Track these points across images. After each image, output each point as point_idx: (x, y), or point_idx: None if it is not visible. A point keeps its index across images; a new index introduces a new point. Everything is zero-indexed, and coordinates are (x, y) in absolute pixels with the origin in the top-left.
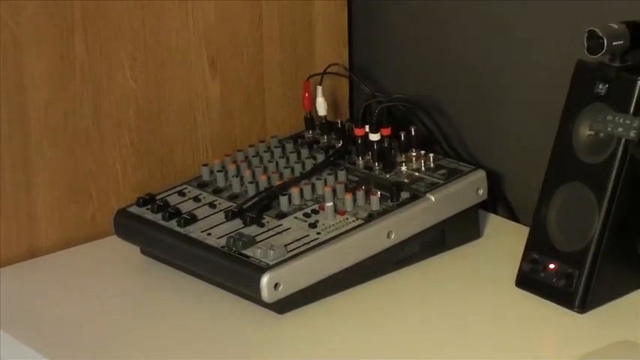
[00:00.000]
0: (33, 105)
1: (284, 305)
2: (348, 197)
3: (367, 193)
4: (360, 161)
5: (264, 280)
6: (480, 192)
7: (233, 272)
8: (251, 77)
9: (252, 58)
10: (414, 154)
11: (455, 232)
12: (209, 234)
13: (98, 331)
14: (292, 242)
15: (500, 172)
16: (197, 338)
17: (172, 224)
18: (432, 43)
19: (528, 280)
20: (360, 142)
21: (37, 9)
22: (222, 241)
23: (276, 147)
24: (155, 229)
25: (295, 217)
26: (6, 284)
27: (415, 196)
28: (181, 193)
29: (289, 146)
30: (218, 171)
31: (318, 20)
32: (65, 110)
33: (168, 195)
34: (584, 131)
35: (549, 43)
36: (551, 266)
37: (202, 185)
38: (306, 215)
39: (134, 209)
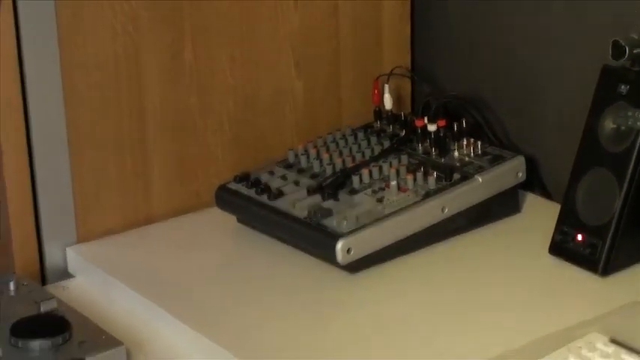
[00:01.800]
0: (149, 100)
1: (355, 266)
2: (409, 177)
3: (425, 174)
4: (420, 147)
5: (339, 245)
6: (520, 175)
7: (313, 239)
8: (329, 76)
9: (330, 60)
10: (464, 142)
11: (498, 207)
12: (293, 206)
13: (202, 284)
14: (362, 214)
15: (536, 158)
16: (282, 293)
17: (263, 198)
18: (480, 47)
19: (559, 248)
20: (419, 131)
21: (152, 18)
22: (305, 213)
23: (349, 135)
24: (249, 202)
25: (365, 194)
26: (127, 245)
27: (465, 177)
28: (271, 172)
29: (360, 134)
30: (301, 154)
31: (386, 29)
32: (176, 104)
33: (260, 174)
34: (609, 125)
35: (582, 48)
36: (579, 237)
37: (288, 166)
38: (374, 192)
39: (232, 185)
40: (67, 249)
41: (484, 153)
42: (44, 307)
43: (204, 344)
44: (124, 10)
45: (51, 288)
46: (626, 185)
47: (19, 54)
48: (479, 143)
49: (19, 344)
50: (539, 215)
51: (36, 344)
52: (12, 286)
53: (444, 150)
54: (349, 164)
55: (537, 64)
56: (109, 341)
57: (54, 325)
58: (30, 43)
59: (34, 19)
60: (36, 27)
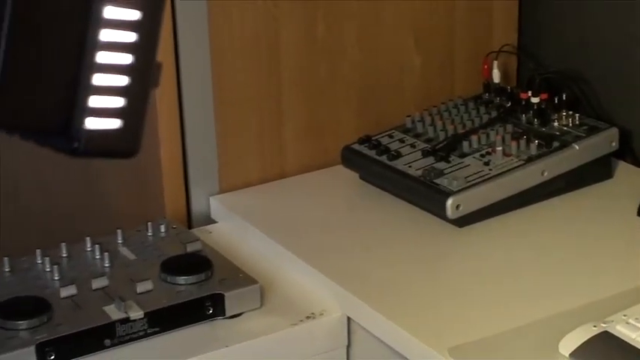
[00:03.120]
0: (286, 68)
1: (462, 221)
2: (513, 144)
3: (527, 142)
4: (523, 118)
5: (449, 202)
6: (613, 144)
7: (426, 195)
8: (444, 52)
9: (445, 37)
10: (563, 113)
11: (592, 173)
12: (410, 166)
13: (327, 231)
14: (470, 175)
15: (629, 129)
16: (397, 241)
17: (383, 158)
18: (580, 25)
19: None
20: (523, 103)
21: None
22: (419, 172)
23: (461, 105)
24: (370, 162)
25: (473, 157)
26: (262, 196)
27: (563, 145)
28: (390, 136)
29: (471, 104)
30: (418, 121)
31: (496, 10)
32: (308, 72)
33: (381, 137)
34: None
35: None
36: None
37: (406, 131)
38: (482, 156)
39: (355, 146)
40: (210, 198)
41: (581, 124)
42: (190, 248)
43: (326, 283)
44: None
45: (196, 231)
46: None
47: (173, 19)
48: (577, 115)
49: (168, 279)
50: (630, 181)
51: (182, 280)
52: (163, 229)
53: (545, 120)
54: (460, 130)
55: (632, 39)
56: (246, 279)
57: (198, 263)
58: (183, 13)
59: None
60: None
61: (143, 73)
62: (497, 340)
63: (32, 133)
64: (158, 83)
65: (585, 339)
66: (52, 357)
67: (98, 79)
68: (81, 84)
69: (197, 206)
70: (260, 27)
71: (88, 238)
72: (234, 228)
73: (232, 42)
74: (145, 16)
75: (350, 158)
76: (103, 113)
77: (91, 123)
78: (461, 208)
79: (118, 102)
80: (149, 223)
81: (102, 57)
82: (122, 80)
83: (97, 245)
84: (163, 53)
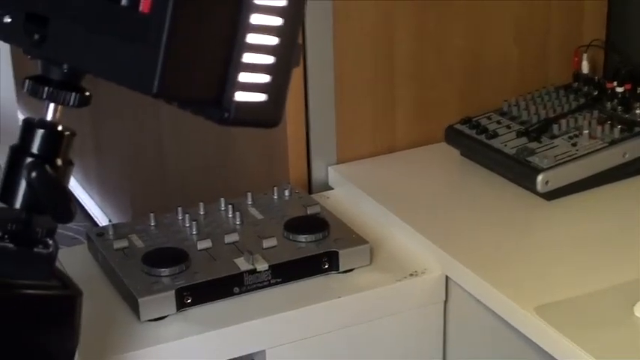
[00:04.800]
0: (398, 52)
1: (551, 195)
2: (599, 128)
3: (611, 126)
4: (608, 105)
5: (539, 178)
6: None
7: (519, 171)
8: (539, 45)
9: (541, 33)
10: None
11: None
12: (505, 145)
13: (430, 199)
14: (559, 155)
15: None
16: (492, 211)
17: (482, 137)
18: None
19: None
20: (609, 92)
21: None
22: (514, 151)
23: (553, 92)
24: (471, 140)
25: (562, 139)
26: (374, 168)
27: None
28: (489, 118)
29: (561, 92)
30: (514, 105)
31: (587, 7)
32: (418, 57)
33: (481, 118)
34: None
35: None
36: None
37: (502, 114)
38: (570, 138)
39: (458, 126)
40: (328, 167)
41: None
42: (310, 211)
43: (428, 245)
44: None
45: (315, 196)
46: None
47: None
48: None
49: (290, 237)
50: None
51: (302, 238)
52: (287, 193)
53: (628, 108)
54: (551, 115)
55: None
56: (358, 240)
57: (317, 224)
58: (312, 9)
59: None
60: None
61: (287, 54)
62: (579, 300)
63: (189, 103)
64: (299, 63)
65: None
66: (189, 300)
67: (248, 58)
68: (233, 62)
69: (317, 174)
70: (377, 21)
71: (222, 199)
72: (348, 194)
73: (353, 34)
74: (290, 3)
75: (452, 136)
76: (251, 88)
77: (240, 96)
78: (550, 184)
79: (265, 78)
80: (275, 188)
81: (252, 38)
82: (268, 59)
83: (229, 205)
84: None
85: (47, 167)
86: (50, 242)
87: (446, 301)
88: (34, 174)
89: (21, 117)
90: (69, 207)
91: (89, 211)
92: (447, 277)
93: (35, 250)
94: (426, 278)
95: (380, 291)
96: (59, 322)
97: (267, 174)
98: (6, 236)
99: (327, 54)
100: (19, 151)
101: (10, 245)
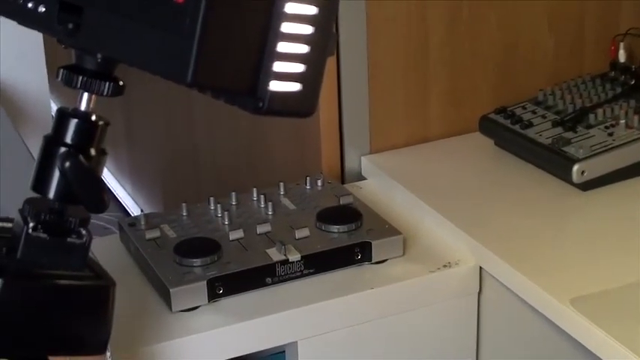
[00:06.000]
0: (432, 41)
1: (587, 185)
2: (636, 117)
3: None
4: None
5: (575, 168)
6: None
7: (554, 161)
8: (575, 34)
9: (576, 21)
10: None
11: None
12: (540, 135)
13: (464, 188)
14: (595, 144)
15: None
16: (527, 201)
17: (516, 127)
18: None
19: None
20: None
21: None
22: (549, 141)
23: (589, 81)
24: (505, 130)
25: (598, 128)
26: (407, 158)
27: None
28: (523, 107)
29: (597, 81)
30: (549, 94)
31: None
32: (452, 47)
33: (515, 108)
34: None
35: None
36: None
37: (537, 103)
38: (606, 127)
39: (492, 116)
40: (361, 157)
41: None
42: (343, 201)
43: (462, 236)
44: None
45: (348, 186)
46: None
47: None
48: None
49: (323, 227)
50: None
51: (335, 228)
52: (319, 183)
53: None
54: (587, 104)
55: None
56: (391, 230)
57: (349, 214)
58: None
59: None
60: None
61: (321, 44)
62: (614, 293)
63: (223, 93)
64: (333, 52)
65: None
66: (221, 291)
67: (282, 47)
68: (267, 51)
69: (350, 164)
70: (411, 9)
71: (254, 189)
72: (381, 184)
73: (386, 22)
74: None
75: (487, 126)
76: (285, 77)
77: (275, 86)
78: (585, 174)
79: (299, 68)
80: (307, 178)
81: (286, 27)
82: (303, 49)
83: (262, 195)
84: None
85: (81, 157)
86: (84, 232)
87: (480, 293)
88: (67, 164)
89: (54, 107)
90: (102, 197)
91: (121, 201)
92: (480, 268)
93: (69, 240)
94: (459, 269)
95: (413, 282)
96: (92, 312)
97: (299, 164)
98: (39, 226)
99: (360, 43)
100: (53, 141)
101: (44, 235)
